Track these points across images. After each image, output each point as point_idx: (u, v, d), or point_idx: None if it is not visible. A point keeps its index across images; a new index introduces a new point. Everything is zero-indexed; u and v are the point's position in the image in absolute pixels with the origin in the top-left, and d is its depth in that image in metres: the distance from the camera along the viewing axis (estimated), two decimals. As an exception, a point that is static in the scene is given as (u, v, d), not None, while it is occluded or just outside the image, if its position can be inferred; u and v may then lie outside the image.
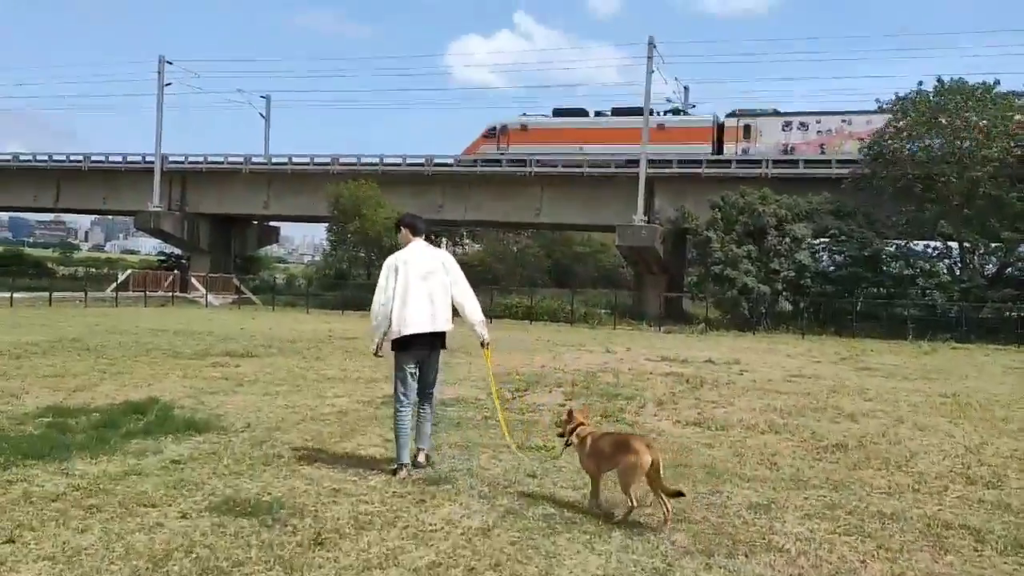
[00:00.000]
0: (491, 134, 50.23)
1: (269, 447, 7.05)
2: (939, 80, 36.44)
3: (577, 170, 47.43)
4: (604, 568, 4.36)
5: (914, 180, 35.71)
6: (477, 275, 68.96)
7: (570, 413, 6.02)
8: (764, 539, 4.96)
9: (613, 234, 46.58)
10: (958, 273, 36.88)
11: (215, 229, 55.50)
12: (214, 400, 9.65)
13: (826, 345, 25.89)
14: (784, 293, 37.94)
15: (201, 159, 54.86)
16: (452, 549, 4.56)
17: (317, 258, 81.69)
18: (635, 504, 5.20)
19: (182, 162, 55.29)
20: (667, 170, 45.33)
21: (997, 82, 35.51)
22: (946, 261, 38.09)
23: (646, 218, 44.01)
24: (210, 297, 44.75)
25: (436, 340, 6.39)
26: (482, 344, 6.58)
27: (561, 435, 5.96)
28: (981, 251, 36.77)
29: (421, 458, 6.37)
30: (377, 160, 51.87)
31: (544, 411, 9.76)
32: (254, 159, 54.88)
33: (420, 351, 6.30)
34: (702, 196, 41.76)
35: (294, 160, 54.39)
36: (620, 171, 45.94)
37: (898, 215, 35.94)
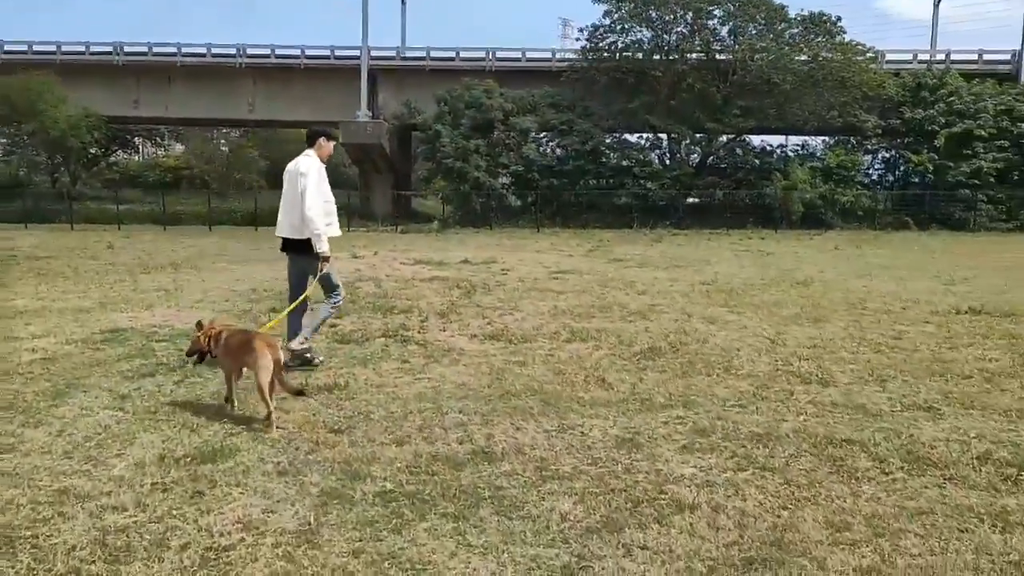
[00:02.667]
0: None
1: (-61, 431, 4.88)
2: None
3: (294, 61, 43.77)
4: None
5: (626, 73, 36.96)
6: (185, 180, 63.30)
7: (199, 324, 5.61)
8: (662, 493, 3.97)
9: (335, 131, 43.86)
10: (668, 163, 39.17)
11: None
12: None
13: (564, 238, 26.17)
14: (512, 187, 38.18)
15: None
16: (266, 577, 3.07)
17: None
18: (271, 408, 4.98)
19: None
20: (390, 62, 43.25)
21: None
22: (657, 151, 40.24)
23: (370, 113, 41.87)
24: None
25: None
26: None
27: (192, 353, 5.56)
28: (687, 142, 39.20)
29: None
30: (54, 47, 44.13)
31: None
32: None
33: None
34: (427, 89, 40.34)
35: (-57, 45, 44.78)
36: (341, 63, 43.06)
37: (612, 107, 37.05)
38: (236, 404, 5.36)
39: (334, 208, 6.77)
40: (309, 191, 6.37)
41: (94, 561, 3.14)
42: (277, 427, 4.88)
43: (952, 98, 35.34)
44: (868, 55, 37.30)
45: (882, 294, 11.74)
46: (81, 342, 7.71)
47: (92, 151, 60.22)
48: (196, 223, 35.15)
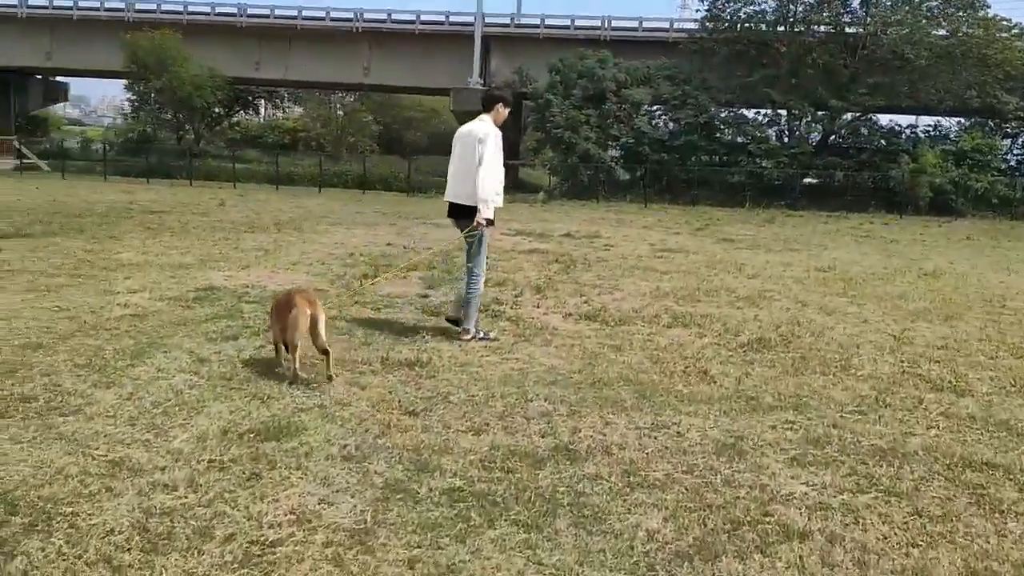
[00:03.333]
0: None
1: (13, 384, 4.80)
2: (776, -59, 35.59)
3: (408, 26, 43.91)
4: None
5: (748, 45, 35.38)
6: (302, 142, 64.87)
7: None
8: (767, 515, 3.46)
9: (445, 98, 43.90)
10: (786, 140, 37.39)
11: (-14, 84, 47.89)
12: (-49, 305, 7.08)
13: (672, 215, 25.28)
14: (621, 160, 37.33)
15: (-38, -1, 46.44)
16: (311, 584, 2.75)
17: (118, 120, 73.52)
18: (297, 366, 5.02)
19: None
20: (504, 29, 42.86)
21: (833, -53, 35.05)
22: (775, 128, 38.46)
23: (481, 81, 41.59)
24: (-17, 162, 38.65)
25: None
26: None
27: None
28: (808, 119, 37.29)
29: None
30: (181, 7, 45.60)
31: (403, 306, 7.87)
32: (30, 2, 46.94)
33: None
34: (540, 58, 39.67)
35: (80, 5, 46.91)
36: (454, 29, 42.92)
37: (731, 80, 35.52)
38: (306, 377, 5.09)
39: (503, 177, 6.64)
40: (486, 157, 6.25)
41: (129, 549, 2.89)
42: (344, 405, 4.59)
43: (1104, 80, 32.27)
44: (1013, 31, 34.49)
45: (1023, 293, 10.64)
46: (173, 299, 7.67)
47: (216, 111, 62.68)
48: (308, 184, 35.78)
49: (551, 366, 5.78)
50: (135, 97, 50.18)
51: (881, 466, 4.08)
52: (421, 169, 46.10)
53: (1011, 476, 4.01)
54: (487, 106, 6.59)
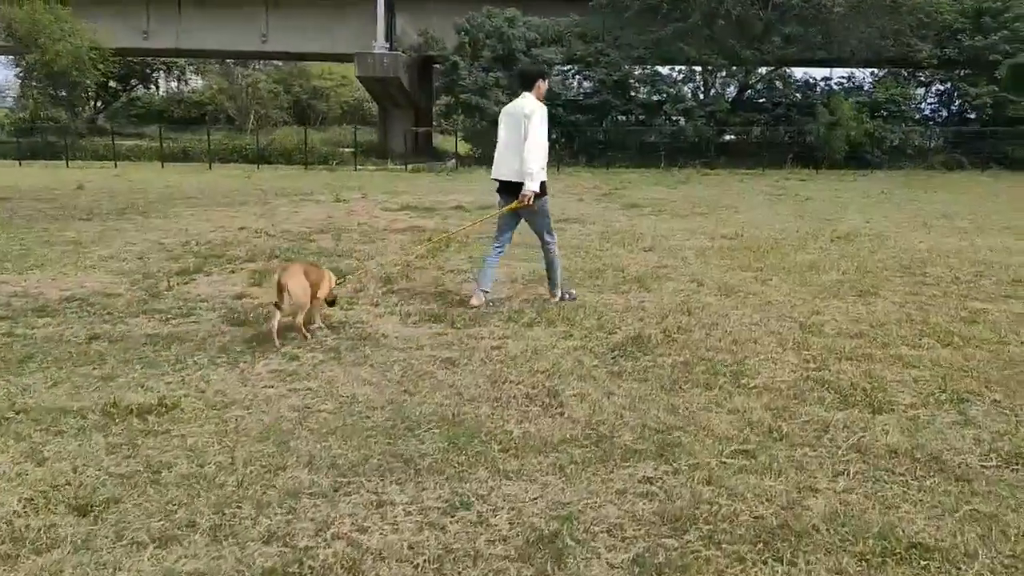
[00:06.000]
0: None
1: None
2: None
3: (307, -12, 41.42)
4: None
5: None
6: (207, 115, 61.75)
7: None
8: None
9: (354, 64, 41.64)
10: (702, 98, 36.42)
11: None
12: None
13: (583, 179, 23.99)
14: (535, 123, 35.91)
15: None
16: None
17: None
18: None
19: None
20: (408, -12, 40.75)
21: None
22: (690, 85, 37.43)
23: (387, 44, 39.54)
24: None
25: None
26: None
27: None
28: (723, 74, 36.37)
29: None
30: (57, -28, 42.03)
31: (203, 313, 6.28)
32: None
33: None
34: (447, 18, 37.75)
35: (-52, -27, 42.88)
36: (357, -10, 40.60)
37: (644, 36, 34.23)
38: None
39: (546, 151, 6.57)
40: (532, 132, 6.28)
41: None
42: None
43: (1017, 24, 31.99)
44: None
45: (944, 254, 9.58)
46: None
47: (111, 85, 58.91)
48: (204, 160, 33.22)
49: (348, 400, 4.32)
50: (23, 74, 46.47)
51: (764, 560, 2.75)
52: (332, 141, 44.00)
53: (954, 567, 2.72)
54: (526, 83, 6.61)
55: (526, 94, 6.52)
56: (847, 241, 10.68)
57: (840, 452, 3.69)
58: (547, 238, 6.72)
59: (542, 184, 6.40)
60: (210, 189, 18.56)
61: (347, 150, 36.68)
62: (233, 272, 7.95)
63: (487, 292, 6.64)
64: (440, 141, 44.47)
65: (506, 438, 3.82)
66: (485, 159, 34.12)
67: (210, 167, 30.29)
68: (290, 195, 17.13)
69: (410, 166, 30.82)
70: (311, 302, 5.54)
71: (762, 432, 3.93)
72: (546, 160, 6.53)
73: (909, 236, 11.17)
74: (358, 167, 31.36)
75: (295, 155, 34.68)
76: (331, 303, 5.93)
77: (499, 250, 6.84)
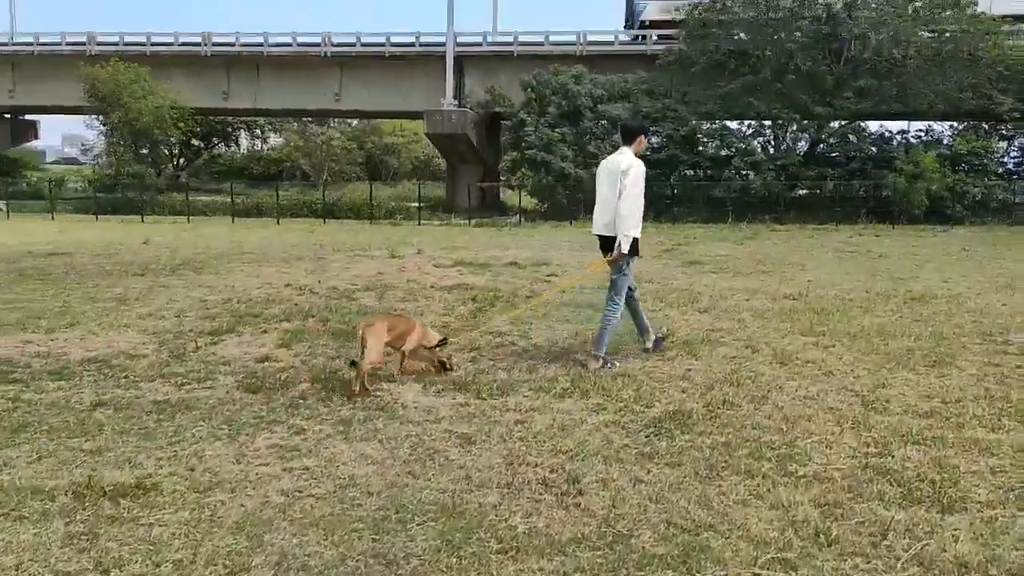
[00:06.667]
0: None
1: None
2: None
3: (378, 49, 42.47)
4: None
5: (728, 55, 33.70)
6: (284, 171, 63.63)
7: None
8: None
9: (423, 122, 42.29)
10: (772, 151, 35.65)
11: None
12: None
13: (647, 233, 23.37)
14: (603, 178, 35.72)
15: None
16: None
17: (83, 156, 72.30)
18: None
19: None
20: (477, 48, 41.40)
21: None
22: (760, 139, 36.71)
23: (456, 102, 40.05)
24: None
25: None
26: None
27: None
28: (794, 128, 35.55)
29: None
30: (144, 39, 44.19)
31: (222, 375, 6.01)
32: (-9, 39, 45.73)
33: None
34: (515, 76, 38.12)
35: (42, 40, 45.51)
36: (426, 50, 41.42)
37: (712, 91, 33.79)
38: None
39: (642, 209, 6.54)
40: (627, 190, 6.31)
41: None
42: None
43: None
44: (1004, 27, 32.85)
45: (1031, 318, 8.78)
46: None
47: (194, 143, 61.23)
48: (275, 215, 33.80)
49: (344, 482, 3.93)
50: (107, 132, 48.61)
51: None
52: (402, 196, 44.46)
53: None
54: (628, 139, 6.63)
55: (624, 148, 6.55)
56: (921, 303, 9.92)
57: (899, 565, 3.12)
58: (615, 297, 6.58)
59: (634, 242, 6.37)
60: (271, 244, 18.67)
61: (414, 205, 36.98)
62: (265, 332, 7.71)
63: (651, 339, 6.90)
64: (508, 196, 44.56)
65: (508, 535, 3.37)
66: (551, 213, 33.99)
67: (278, 222, 30.76)
68: (347, 250, 17.09)
69: (473, 221, 30.78)
70: (401, 354, 5.90)
71: (807, 535, 3.38)
72: (641, 218, 6.47)
73: (990, 298, 10.33)
74: (422, 222, 31.45)
75: (363, 209, 35.10)
76: (443, 366, 6.02)
77: (632, 296, 6.88)
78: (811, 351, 7.05)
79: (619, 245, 6.29)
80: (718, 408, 5.24)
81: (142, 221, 30.47)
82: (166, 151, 52.01)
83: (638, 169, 6.36)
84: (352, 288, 10.83)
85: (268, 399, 5.38)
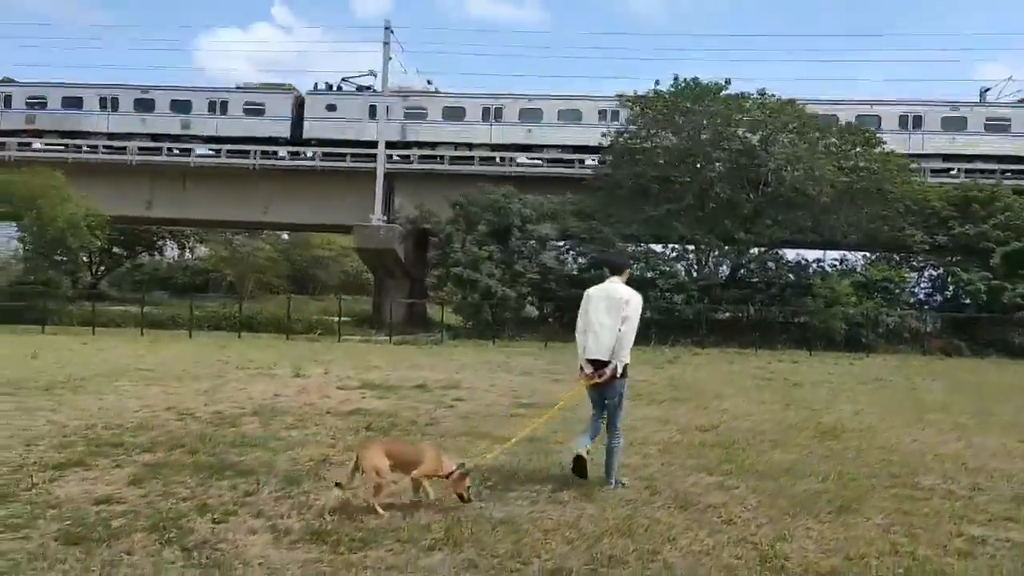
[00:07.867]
0: None
1: None
2: (675, 78, 35.61)
3: (308, 163, 42.58)
4: None
5: (652, 180, 34.69)
6: (210, 282, 62.35)
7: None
8: None
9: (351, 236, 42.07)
10: (695, 275, 36.28)
11: None
12: None
13: (570, 355, 23.11)
14: (530, 297, 35.71)
15: None
16: None
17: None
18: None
19: None
20: (407, 166, 41.84)
21: (728, 82, 35.16)
22: (683, 262, 37.40)
23: (385, 217, 40.05)
24: None
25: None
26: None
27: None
28: (715, 253, 36.39)
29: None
30: (62, 147, 43.44)
31: (44, 522, 5.22)
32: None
33: None
34: (444, 193, 38.45)
35: (-43, 147, 44.24)
36: (357, 165, 41.62)
37: (637, 214, 34.52)
38: None
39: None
40: (631, 319, 6.68)
41: None
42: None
43: (1008, 213, 32.30)
44: (911, 165, 34.75)
45: (940, 457, 8.51)
46: None
47: (115, 251, 59.60)
48: (194, 328, 32.54)
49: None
50: (28, 238, 46.94)
51: None
52: (322, 310, 43.64)
53: None
54: (617, 270, 7.13)
55: (615, 278, 6.96)
56: (832, 437, 9.64)
57: None
58: (618, 424, 6.88)
59: (624, 367, 6.67)
60: (172, 361, 17.72)
61: (337, 320, 36.19)
62: (118, 466, 6.91)
63: (588, 443, 6.88)
64: (435, 311, 44.24)
65: None
66: (476, 331, 33.53)
67: (190, 335, 29.63)
68: (251, 368, 16.26)
69: (395, 338, 30.13)
70: (413, 481, 5.87)
71: None
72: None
73: (901, 433, 10.12)
74: (343, 338, 30.70)
75: (283, 323, 34.15)
76: (462, 498, 5.82)
77: (598, 419, 7.03)
78: (714, 493, 6.61)
79: (614, 368, 6.57)
80: (603, 567, 4.69)
81: (42, 332, 28.95)
82: (84, 259, 50.44)
83: (638, 299, 6.80)
84: (238, 413, 10.08)
85: (87, 554, 4.63)
